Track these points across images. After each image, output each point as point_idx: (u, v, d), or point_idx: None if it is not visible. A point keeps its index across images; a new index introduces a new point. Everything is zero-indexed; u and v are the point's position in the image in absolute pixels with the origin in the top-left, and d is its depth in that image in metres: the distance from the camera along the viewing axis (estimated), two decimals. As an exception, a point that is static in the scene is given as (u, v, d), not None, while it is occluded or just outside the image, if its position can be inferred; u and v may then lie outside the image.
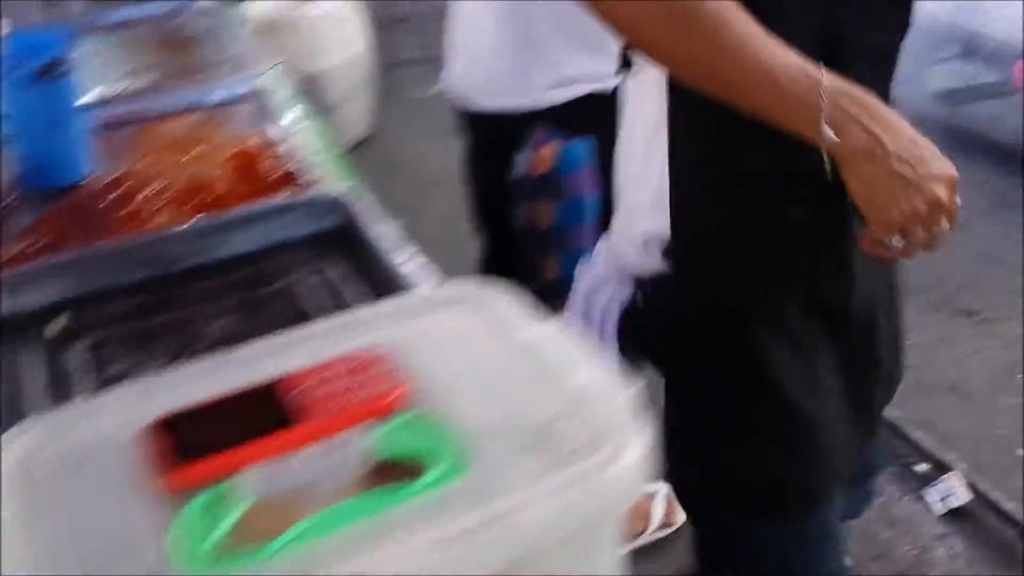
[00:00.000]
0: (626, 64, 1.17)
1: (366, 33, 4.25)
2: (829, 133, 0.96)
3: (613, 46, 1.59)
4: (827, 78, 0.96)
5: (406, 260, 1.21)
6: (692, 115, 1.07)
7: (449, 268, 1.23)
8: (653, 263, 1.17)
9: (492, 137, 1.77)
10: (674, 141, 1.10)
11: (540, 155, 1.65)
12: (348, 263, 1.27)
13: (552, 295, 1.71)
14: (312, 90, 4.02)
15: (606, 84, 1.60)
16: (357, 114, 4.20)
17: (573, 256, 1.68)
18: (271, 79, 1.91)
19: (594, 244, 1.67)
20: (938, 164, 1.00)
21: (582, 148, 1.63)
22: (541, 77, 1.64)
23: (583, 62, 1.61)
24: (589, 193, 1.65)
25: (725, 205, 1.11)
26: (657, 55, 0.99)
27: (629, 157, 1.22)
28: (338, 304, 1.20)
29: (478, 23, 1.71)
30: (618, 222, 1.25)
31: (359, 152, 4.27)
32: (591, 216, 1.66)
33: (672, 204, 1.12)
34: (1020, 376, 2.82)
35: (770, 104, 0.96)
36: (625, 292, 1.23)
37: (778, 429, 1.16)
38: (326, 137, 1.70)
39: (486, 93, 1.73)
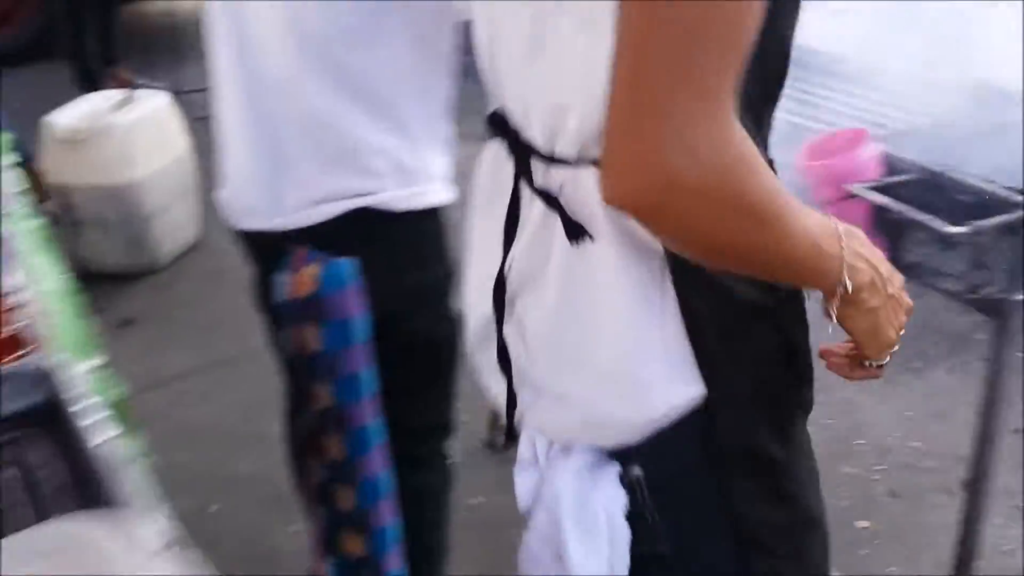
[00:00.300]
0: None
1: (185, 136, 4.10)
2: (847, 280, 0.95)
3: (374, 162, 1.51)
4: (838, 224, 0.95)
5: (113, 440, 1.07)
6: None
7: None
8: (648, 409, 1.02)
9: (262, 259, 1.65)
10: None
11: (301, 276, 1.53)
12: (53, 448, 1.12)
13: (327, 424, 1.60)
14: (128, 201, 3.89)
15: (369, 200, 1.52)
16: (180, 221, 4.04)
17: (345, 382, 1.57)
18: (21, 220, 1.76)
19: (366, 368, 1.57)
20: (891, 268, 1.03)
21: (346, 268, 1.52)
22: (294, 196, 1.53)
23: (338, 180, 1.51)
24: (357, 314, 1.53)
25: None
26: (722, 254, 0.92)
27: (537, 287, 1.07)
28: (35, 501, 1.05)
29: (234, 142, 1.60)
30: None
31: (184, 261, 4.11)
32: (360, 339, 1.54)
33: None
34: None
35: (810, 271, 0.95)
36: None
37: None
38: (68, 294, 1.55)
39: (245, 214, 1.62)
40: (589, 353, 1.03)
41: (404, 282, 1.58)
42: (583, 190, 0.98)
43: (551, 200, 1.02)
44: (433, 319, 1.63)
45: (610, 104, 0.84)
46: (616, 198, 0.87)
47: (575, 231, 0.99)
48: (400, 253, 1.56)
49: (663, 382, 1.01)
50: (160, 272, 4.03)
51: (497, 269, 1.12)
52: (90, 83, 4.79)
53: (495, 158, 1.13)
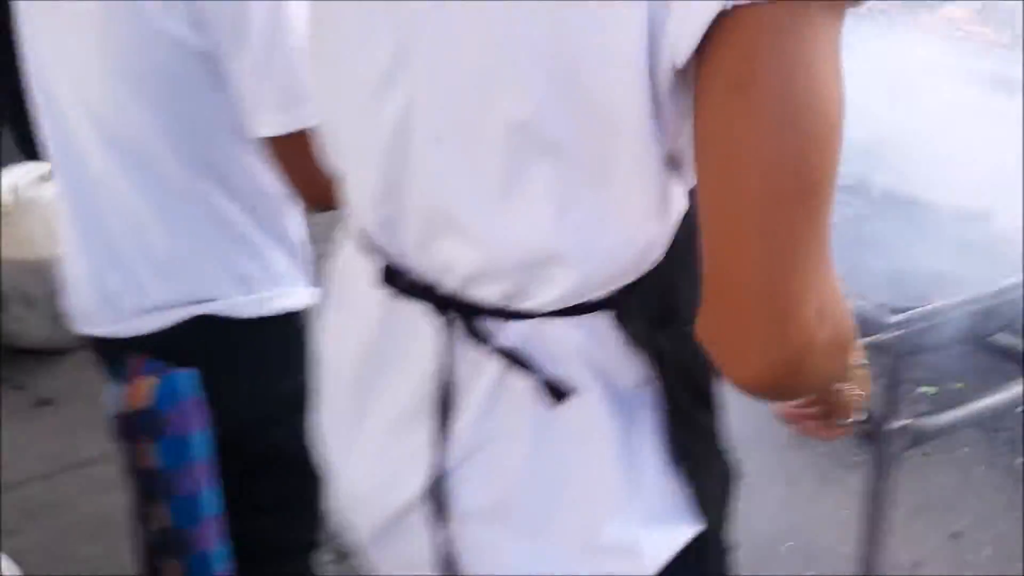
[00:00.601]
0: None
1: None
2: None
3: (209, 267, 1.40)
4: None
5: None
6: None
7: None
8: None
9: (105, 366, 1.54)
10: None
11: (136, 388, 1.42)
12: None
13: (167, 545, 1.48)
14: (53, 277, 3.74)
15: (208, 308, 1.42)
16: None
17: (183, 503, 1.45)
18: None
19: (207, 488, 1.45)
20: None
21: (184, 380, 1.41)
22: (129, 301, 1.43)
23: (173, 286, 1.42)
24: (196, 430, 1.42)
25: None
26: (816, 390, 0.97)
27: (493, 462, 0.95)
28: None
29: (69, 242, 1.51)
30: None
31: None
32: (200, 456, 1.43)
33: None
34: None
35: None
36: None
37: None
38: None
39: (84, 318, 1.52)
40: (568, 523, 0.94)
41: (253, 394, 1.47)
42: (551, 343, 0.90)
43: (516, 360, 0.90)
44: (290, 432, 1.51)
45: (727, 277, 0.76)
46: (753, 376, 0.78)
47: (554, 390, 0.89)
48: (247, 364, 1.46)
49: (654, 533, 0.94)
50: (85, 350, 3.89)
51: (413, 450, 0.97)
52: (31, 149, 4.68)
53: (390, 319, 0.98)
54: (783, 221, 0.73)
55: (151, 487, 1.45)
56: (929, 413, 1.74)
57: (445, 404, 0.94)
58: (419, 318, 0.95)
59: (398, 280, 0.96)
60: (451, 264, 0.91)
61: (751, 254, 0.74)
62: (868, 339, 1.53)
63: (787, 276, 0.74)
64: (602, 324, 0.90)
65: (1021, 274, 1.65)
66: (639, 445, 0.93)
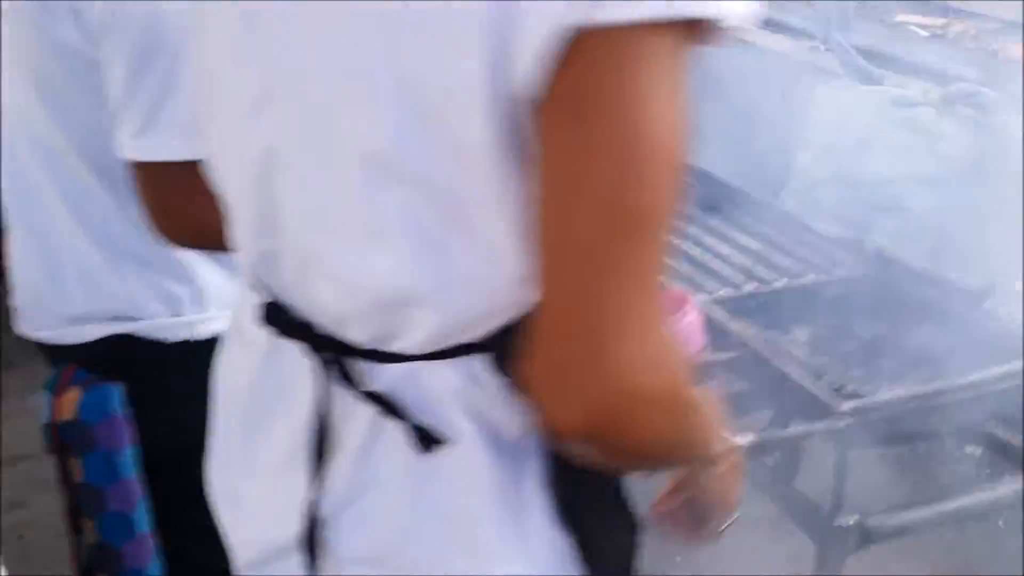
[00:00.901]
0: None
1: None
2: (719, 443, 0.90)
3: (130, 286, 1.33)
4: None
5: None
6: None
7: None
8: None
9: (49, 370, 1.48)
10: None
11: (63, 399, 1.36)
12: None
13: (100, 562, 1.42)
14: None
15: (131, 327, 1.35)
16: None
17: (113, 520, 1.39)
18: None
19: (137, 508, 1.39)
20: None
21: (111, 395, 1.35)
22: (59, 310, 1.37)
23: (98, 300, 1.35)
24: (123, 448, 1.36)
25: None
26: (658, 454, 0.85)
27: (368, 509, 0.90)
28: None
29: (14, 246, 1.45)
30: None
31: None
32: (129, 475, 1.36)
33: None
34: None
35: (709, 444, 0.89)
36: None
37: None
38: None
39: (23, 320, 1.46)
40: (450, 573, 0.88)
41: (182, 422, 1.38)
42: (426, 388, 0.85)
43: (387, 405, 0.86)
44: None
45: (549, 311, 0.73)
46: (570, 418, 0.74)
47: (425, 437, 0.84)
48: (177, 389, 1.36)
49: None
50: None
51: (291, 494, 0.92)
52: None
53: (274, 357, 0.93)
54: (606, 253, 0.71)
55: (80, 502, 1.39)
56: (891, 509, 1.56)
57: (321, 449, 0.90)
58: (300, 358, 0.91)
59: (279, 318, 0.92)
60: (322, 304, 0.87)
61: (571, 283, 0.72)
62: (816, 425, 1.38)
63: (604, 308, 0.71)
64: (480, 367, 0.85)
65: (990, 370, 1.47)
66: (525, 494, 0.87)
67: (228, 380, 1.02)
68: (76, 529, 1.41)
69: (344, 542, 0.90)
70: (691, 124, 0.71)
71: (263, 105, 0.83)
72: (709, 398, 0.86)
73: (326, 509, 0.90)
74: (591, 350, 0.71)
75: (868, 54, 3.66)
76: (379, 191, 0.78)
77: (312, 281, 0.87)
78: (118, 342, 1.35)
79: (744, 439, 1.37)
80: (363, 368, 0.86)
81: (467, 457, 0.85)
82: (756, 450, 1.39)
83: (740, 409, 1.56)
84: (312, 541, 0.90)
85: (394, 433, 0.86)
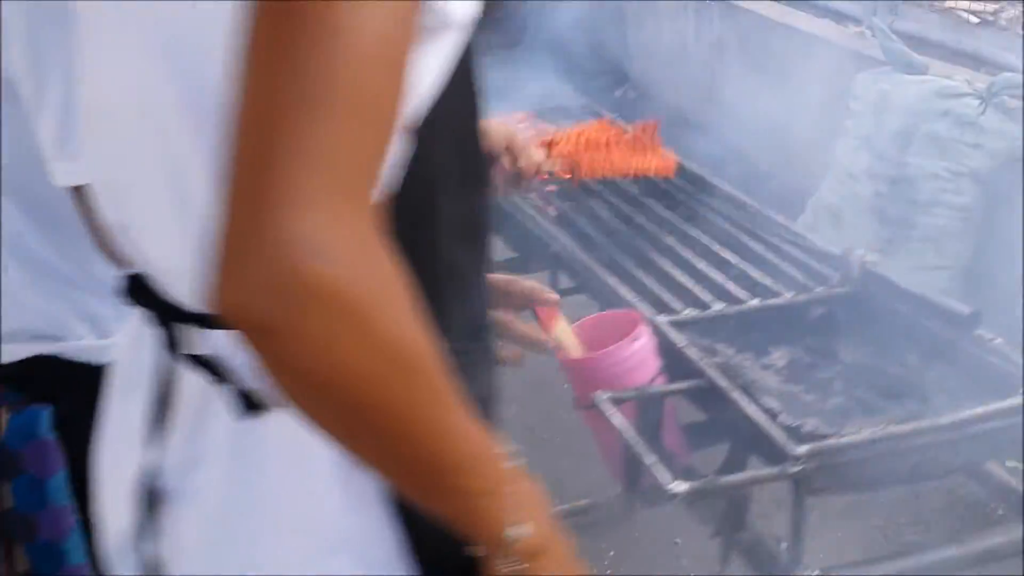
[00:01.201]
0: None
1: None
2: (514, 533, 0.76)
3: (55, 306, 1.26)
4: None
5: None
6: None
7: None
8: None
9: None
10: None
11: (-11, 420, 1.29)
12: None
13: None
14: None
15: (56, 348, 1.27)
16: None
17: (43, 550, 1.32)
18: None
19: (70, 537, 1.32)
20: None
21: (38, 417, 1.28)
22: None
23: (21, 318, 1.27)
24: (53, 473, 1.28)
25: None
26: (355, 413, 0.70)
27: (200, 485, 0.86)
28: None
29: None
30: None
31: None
32: (60, 501, 1.29)
33: None
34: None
35: (464, 493, 0.74)
36: None
37: None
38: None
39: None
40: (279, 554, 0.83)
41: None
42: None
43: (214, 369, 0.82)
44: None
45: (228, 185, 0.67)
46: (231, 299, 0.66)
47: (245, 403, 0.80)
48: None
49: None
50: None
51: (134, 470, 0.88)
52: None
53: (138, 334, 0.90)
54: (283, 119, 0.66)
55: (7, 530, 1.32)
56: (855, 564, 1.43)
57: (159, 421, 0.87)
58: (146, 330, 0.88)
59: (131, 287, 0.89)
60: (149, 267, 0.86)
61: (243, 151, 0.67)
62: (765, 471, 1.24)
63: (272, 178, 0.65)
64: None
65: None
66: (358, 480, 0.80)
67: (118, 363, 0.98)
68: (6, 556, 1.35)
69: (179, 520, 0.86)
70: (409, 19, 0.69)
71: None
72: (478, 420, 0.74)
73: (166, 483, 0.86)
74: (258, 217, 0.65)
75: (914, 40, 3.50)
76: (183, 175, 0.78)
77: (147, 244, 0.85)
78: (44, 363, 1.28)
79: (678, 487, 1.25)
80: (193, 334, 0.83)
81: (293, 426, 0.75)
82: (699, 495, 1.27)
83: (697, 442, 1.46)
84: (146, 521, 0.87)
85: (222, 403, 0.82)
